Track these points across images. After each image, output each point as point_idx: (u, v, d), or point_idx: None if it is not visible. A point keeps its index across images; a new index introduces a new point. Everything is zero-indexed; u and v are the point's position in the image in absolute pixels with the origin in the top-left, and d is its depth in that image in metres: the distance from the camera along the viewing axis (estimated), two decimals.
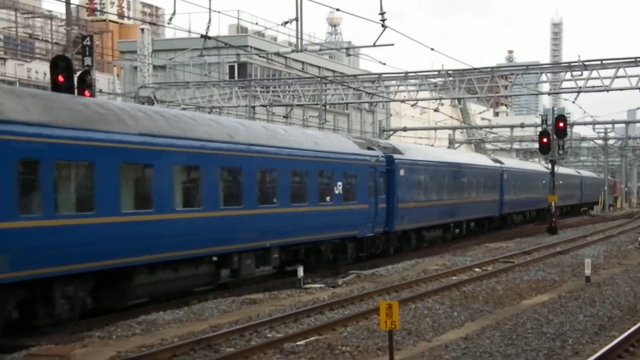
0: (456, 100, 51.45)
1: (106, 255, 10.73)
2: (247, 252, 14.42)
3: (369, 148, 19.89)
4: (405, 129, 54.56)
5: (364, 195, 18.60)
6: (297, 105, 34.76)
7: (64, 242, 9.96)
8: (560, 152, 32.77)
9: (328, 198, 16.84)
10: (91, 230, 10.43)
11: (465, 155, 32.80)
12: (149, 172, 11.72)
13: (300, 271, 16.25)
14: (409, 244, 23.24)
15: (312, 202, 16.24)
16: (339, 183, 17.19)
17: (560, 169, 48.85)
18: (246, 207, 14.09)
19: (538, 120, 45.96)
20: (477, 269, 19.10)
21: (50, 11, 41.30)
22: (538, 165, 47.42)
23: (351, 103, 38.52)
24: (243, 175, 13.97)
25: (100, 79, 40.55)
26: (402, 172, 21.54)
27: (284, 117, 36.89)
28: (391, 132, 57.04)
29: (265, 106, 34.29)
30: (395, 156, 21.69)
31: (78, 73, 17.05)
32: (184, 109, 35.66)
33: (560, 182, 46.64)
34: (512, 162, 38.17)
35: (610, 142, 61.26)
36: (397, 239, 22.31)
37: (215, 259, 13.64)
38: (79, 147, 10.25)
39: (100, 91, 32.13)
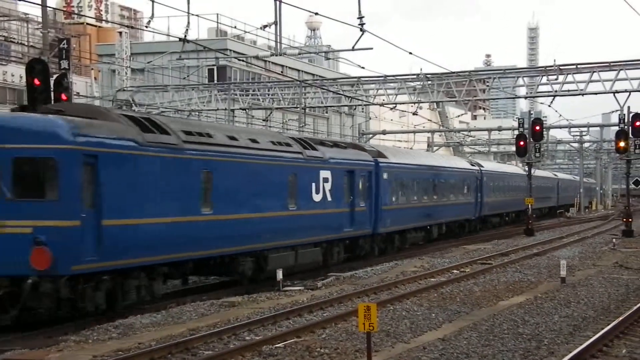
0: (435, 104, 51.75)
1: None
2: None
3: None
4: (384, 132, 54.77)
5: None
6: (277, 108, 34.80)
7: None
8: (537, 154, 33.15)
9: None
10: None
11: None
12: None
13: (279, 274, 16.23)
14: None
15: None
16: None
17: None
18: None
19: (515, 124, 46.45)
20: (455, 271, 19.23)
21: (26, 14, 40.84)
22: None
23: (331, 106, 38.59)
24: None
25: (78, 82, 40.14)
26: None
27: (264, 120, 36.85)
28: (370, 135, 57.31)
29: (245, 109, 34.25)
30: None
31: (55, 76, 16.84)
32: (162, 112, 35.52)
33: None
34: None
35: (586, 145, 61.99)
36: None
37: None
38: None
39: (78, 94, 31.79)
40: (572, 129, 52.84)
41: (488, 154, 60.86)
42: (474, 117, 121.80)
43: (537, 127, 32.08)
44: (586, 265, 20.52)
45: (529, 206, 32.88)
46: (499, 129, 52.24)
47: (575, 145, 62.24)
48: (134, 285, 11.89)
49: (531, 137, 32.43)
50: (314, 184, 17.52)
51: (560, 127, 50.40)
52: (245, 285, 15.30)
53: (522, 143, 32.26)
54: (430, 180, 26.67)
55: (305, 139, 18.45)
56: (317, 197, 17.72)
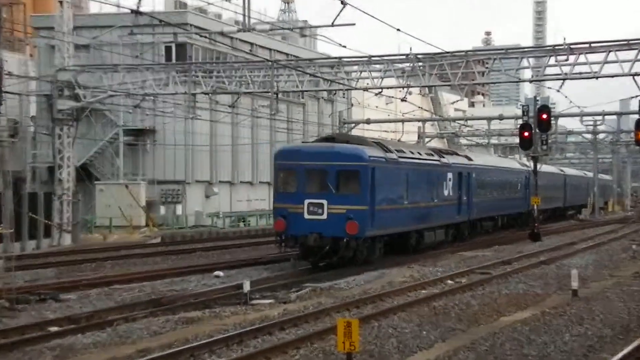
0: (426, 89, 52.04)
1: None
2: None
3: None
4: (368, 121, 54.95)
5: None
6: (245, 93, 34.52)
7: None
8: (544, 147, 33.41)
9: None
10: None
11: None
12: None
13: (247, 285, 16.13)
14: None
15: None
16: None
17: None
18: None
19: (519, 112, 46.66)
20: (449, 281, 19.35)
21: None
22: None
23: (307, 91, 38.49)
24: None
25: (10, 60, 39.48)
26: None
27: (230, 106, 36.62)
28: (353, 125, 57.37)
29: (208, 94, 33.93)
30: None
31: None
32: (111, 95, 35.10)
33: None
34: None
35: (600, 136, 62.19)
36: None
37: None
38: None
39: (10, 74, 31.22)
40: (585, 118, 53.10)
41: (487, 146, 61.24)
42: (472, 105, 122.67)
43: (544, 116, 32.33)
44: (602, 275, 20.76)
45: (535, 207, 33.08)
46: (500, 117, 52.33)
47: (589, 136, 62.73)
48: (394, 242, 24.89)
49: (537, 127, 32.66)
50: (444, 183, 28.88)
51: (570, 115, 50.58)
52: (409, 253, 25.67)
53: (526, 134, 32.46)
54: (499, 178, 37.13)
55: (434, 149, 31.51)
56: (445, 192, 28.89)
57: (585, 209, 57.61)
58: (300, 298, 16.64)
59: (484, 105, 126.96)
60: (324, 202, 21.68)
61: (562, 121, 64.23)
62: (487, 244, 30.69)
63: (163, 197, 44.77)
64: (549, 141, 34.88)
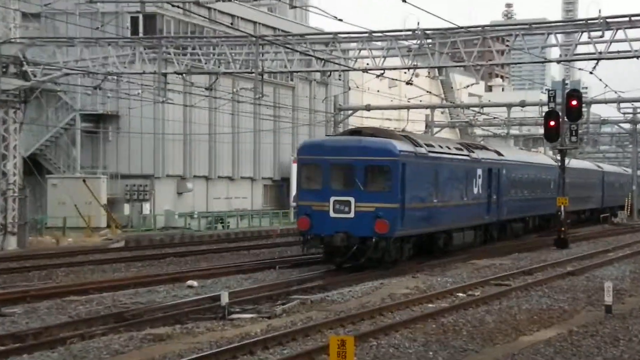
0: (436, 70, 51.76)
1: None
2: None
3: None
4: (368, 108, 55.12)
5: None
6: (225, 73, 34.49)
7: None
8: (573, 139, 33.47)
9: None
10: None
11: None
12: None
13: (225, 297, 16.14)
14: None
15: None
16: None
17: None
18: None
19: (544, 97, 46.83)
20: (460, 294, 19.39)
21: None
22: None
23: (297, 72, 38.50)
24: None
25: None
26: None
27: (207, 89, 36.61)
28: (350, 112, 57.47)
29: (181, 74, 33.81)
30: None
31: None
32: (66, 74, 34.94)
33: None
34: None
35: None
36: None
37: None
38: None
39: None
40: (623, 105, 53.31)
41: (507, 137, 61.39)
42: (489, 89, 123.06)
43: (574, 102, 32.36)
44: None
45: (562, 208, 33.18)
46: (522, 104, 52.58)
47: (627, 126, 62.83)
48: (422, 243, 26.74)
49: (566, 115, 32.75)
50: (474, 180, 30.41)
51: (606, 101, 50.83)
52: (437, 256, 27.34)
53: (552, 123, 32.54)
54: (530, 175, 38.49)
55: (463, 143, 32.72)
56: (475, 191, 30.48)
57: (622, 211, 57.69)
58: (287, 312, 16.67)
59: (503, 90, 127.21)
60: (351, 199, 23.47)
61: (595, 108, 64.12)
62: (504, 252, 30.84)
63: (127, 194, 44.73)
64: (580, 132, 34.89)
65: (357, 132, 25.71)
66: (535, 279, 22.50)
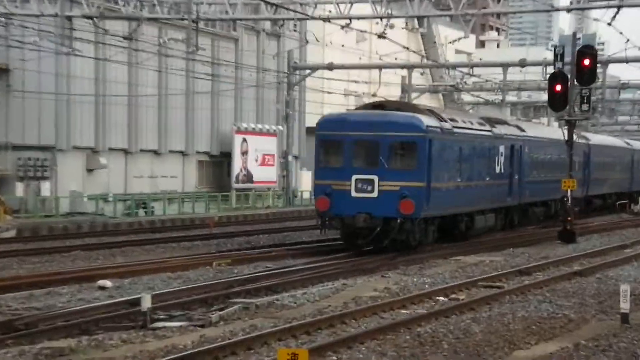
0: (415, 21, 51.95)
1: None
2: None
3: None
4: (330, 67, 55.12)
5: None
6: (149, 19, 34.07)
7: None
8: (584, 107, 33.51)
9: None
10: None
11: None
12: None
13: (147, 300, 15.98)
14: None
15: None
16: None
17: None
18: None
19: (549, 55, 46.94)
20: (441, 298, 19.51)
21: None
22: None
23: (242, 20, 38.21)
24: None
25: None
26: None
27: (125, 38, 36.16)
28: (308, 71, 57.35)
29: (92, 18, 33.34)
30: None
31: None
32: None
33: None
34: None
35: None
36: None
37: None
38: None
39: None
40: None
41: (502, 105, 61.79)
42: (481, 44, 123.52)
43: (587, 61, 32.56)
44: None
45: (568, 193, 33.40)
46: (522, 63, 52.87)
47: None
48: (444, 226, 30.34)
49: (576, 77, 32.82)
50: (496, 158, 33.80)
51: (626, 60, 50.88)
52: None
53: (559, 87, 32.68)
54: (553, 154, 41.17)
55: (484, 117, 36.11)
56: (497, 169, 33.90)
57: None
58: (225, 319, 16.61)
59: (498, 46, 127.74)
60: (375, 178, 26.99)
61: (613, 69, 64.81)
62: (495, 246, 31.15)
63: (21, 171, 44.05)
64: (593, 99, 35.03)
65: (379, 105, 29.08)
66: (534, 279, 22.70)
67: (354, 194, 26.93)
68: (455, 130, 29.89)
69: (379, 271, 23.75)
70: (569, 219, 33.52)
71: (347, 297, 19.28)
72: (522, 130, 37.90)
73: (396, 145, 27.24)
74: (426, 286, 21.12)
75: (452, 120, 30.25)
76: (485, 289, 20.97)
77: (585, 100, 33.40)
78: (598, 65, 37.09)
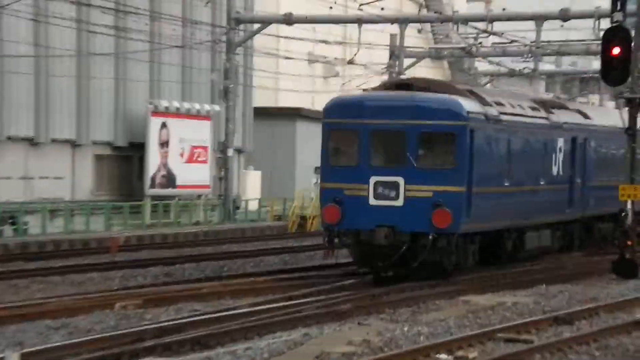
0: None
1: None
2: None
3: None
4: (288, 20, 54.85)
5: None
6: None
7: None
8: None
9: None
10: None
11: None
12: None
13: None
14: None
15: None
16: None
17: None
18: None
19: (604, 4, 46.96)
20: (443, 356, 19.60)
21: None
22: None
23: None
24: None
25: None
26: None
27: None
28: (256, 26, 57.19)
29: None
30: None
31: None
32: None
33: None
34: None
35: None
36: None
37: None
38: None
39: None
40: None
41: (534, 76, 61.91)
42: None
43: None
44: None
45: (628, 204, 33.41)
46: (564, 16, 52.90)
47: None
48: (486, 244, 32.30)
49: None
50: (554, 155, 35.64)
51: None
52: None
53: (617, 51, 32.52)
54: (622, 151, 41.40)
55: (537, 99, 38.06)
56: (554, 171, 35.70)
57: None
58: None
59: None
60: (400, 180, 28.52)
61: None
62: (520, 280, 31.31)
63: None
64: None
65: (405, 85, 30.70)
66: (577, 332, 22.70)
67: (372, 201, 28.58)
68: (503, 117, 31.60)
69: (356, 315, 23.73)
70: (629, 242, 33.67)
71: (310, 354, 19.18)
72: (587, 118, 39.16)
73: (428, 138, 28.91)
74: (421, 339, 21.04)
75: (498, 104, 31.86)
76: (506, 344, 20.99)
77: None
78: None
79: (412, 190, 28.33)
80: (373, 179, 28.47)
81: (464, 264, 30.09)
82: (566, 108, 39.28)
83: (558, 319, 23.99)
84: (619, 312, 25.91)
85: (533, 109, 35.03)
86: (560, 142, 36.01)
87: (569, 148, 36.81)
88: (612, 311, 25.84)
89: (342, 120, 29.51)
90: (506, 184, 31.81)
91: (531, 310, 25.73)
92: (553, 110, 36.43)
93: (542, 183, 34.79)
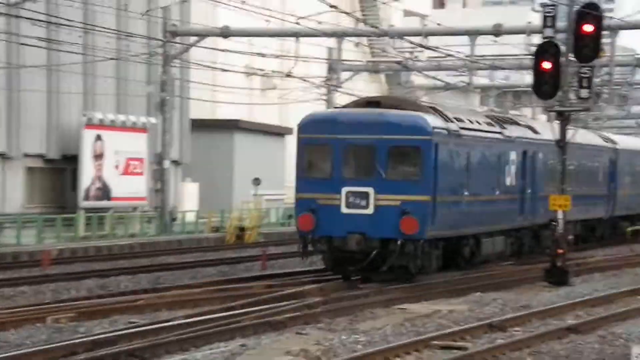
0: None
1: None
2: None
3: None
4: (225, 34, 54.75)
5: None
6: None
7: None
8: (584, 93, 33.69)
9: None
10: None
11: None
12: None
13: None
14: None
15: None
16: None
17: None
18: None
19: (535, 20, 47.38)
20: None
21: None
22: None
23: None
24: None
25: None
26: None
27: None
28: (193, 38, 56.96)
29: None
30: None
31: None
32: None
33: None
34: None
35: None
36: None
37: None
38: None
39: None
40: None
41: (468, 91, 62.17)
42: (440, 4, 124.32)
43: (589, 27, 32.97)
44: None
45: (559, 214, 33.81)
46: (497, 31, 53.25)
47: None
48: (446, 250, 35.17)
49: (573, 51, 33.24)
50: (506, 167, 38.58)
51: None
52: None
53: (548, 65, 33.05)
54: (574, 162, 44.87)
55: (491, 115, 42.43)
56: (507, 181, 38.70)
57: None
58: None
59: (464, 5, 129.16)
60: (370, 190, 31.43)
61: (626, 38, 65.49)
62: (455, 289, 31.72)
63: None
64: (597, 81, 35.27)
65: (374, 102, 33.85)
66: (510, 338, 22.84)
67: (344, 209, 31.45)
68: (463, 132, 34.46)
69: (294, 325, 23.84)
70: (560, 251, 33.87)
71: None
72: (536, 132, 42.14)
73: (396, 151, 31.87)
74: (359, 347, 21.13)
75: (458, 119, 34.75)
76: (442, 351, 21.07)
77: (584, 84, 33.57)
78: (605, 32, 37.55)
79: (381, 200, 31.17)
80: (345, 189, 31.32)
81: (429, 268, 32.50)
82: (517, 124, 42.14)
83: (492, 326, 24.36)
84: (550, 318, 26.39)
85: (488, 124, 37.91)
86: (513, 155, 38.98)
87: (520, 160, 39.69)
88: (544, 318, 26.35)
89: (316, 135, 32.36)
90: (466, 194, 34.57)
91: (466, 317, 26.09)
92: (506, 126, 39.34)
93: (497, 193, 37.60)
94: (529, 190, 40.20)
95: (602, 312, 27.55)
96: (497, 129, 38.42)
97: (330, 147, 31.95)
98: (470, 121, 36.16)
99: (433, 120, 32.55)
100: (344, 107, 36.52)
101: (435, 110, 34.15)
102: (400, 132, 31.78)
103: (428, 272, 32.70)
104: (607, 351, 21.52)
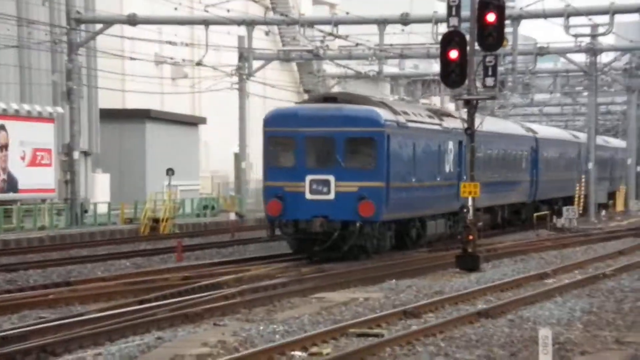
0: None
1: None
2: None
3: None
4: (133, 21, 54.13)
5: None
6: None
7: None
8: (489, 81, 34.00)
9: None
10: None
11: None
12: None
13: None
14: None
15: None
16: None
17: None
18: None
19: (441, 8, 47.62)
20: (298, 353, 19.73)
21: None
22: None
23: None
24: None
25: None
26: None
27: None
28: (99, 26, 56.42)
29: None
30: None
31: None
32: None
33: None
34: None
35: (606, 58, 65.41)
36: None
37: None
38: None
39: None
40: (574, 20, 54.67)
41: (378, 80, 62.23)
42: None
43: (492, 16, 33.36)
44: (600, 341, 21.34)
45: (469, 202, 34.21)
46: (404, 20, 53.40)
47: (581, 58, 64.84)
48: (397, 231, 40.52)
49: (477, 39, 33.59)
50: (445, 156, 42.57)
51: (545, 15, 52.23)
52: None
53: (454, 55, 33.33)
54: (501, 150, 51.53)
55: (430, 109, 47.04)
56: (446, 168, 42.73)
57: (570, 209, 59.34)
58: None
59: None
60: (331, 178, 35.40)
61: (527, 28, 66.11)
62: (371, 277, 31.89)
63: None
64: (500, 69, 35.59)
65: (331, 98, 38.07)
66: (424, 324, 23.07)
67: (308, 196, 35.36)
68: (410, 124, 38.61)
69: (211, 317, 23.78)
70: (471, 237, 34.23)
71: (163, 356, 19.06)
72: None
73: (353, 142, 35.82)
74: (277, 337, 21.17)
75: (404, 113, 38.80)
76: (358, 339, 21.18)
77: (490, 72, 33.92)
78: (507, 21, 37.94)
79: (341, 186, 35.12)
80: (308, 178, 35.21)
81: (383, 248, 36.97)
82: (453, 116, 46.17)
83: (407, 313, 24.63)
84: (462, 304, 26.84)
85: (429, 117, 42.23)
86: (450, 145, 42.97)
87: (457, 150, 43.48)
88: (457, 303, 26.80)
89: (280, 128, 36.21)
90: (413, 180, 38.59)
91: (382, 304, 26.43)
92: (444, 118, 43.64)
93: (438, 179, 41.79)
94: (465, 177, 41.68)
95: (511, 296, 28.03)
96: (437, 120, 42.58)
97: (294, 139, 35.78)
98: (414, 114, 40.01)
99: (385, 114, 36.41)
100: (303, 102, 41.48)
101: (385, 105, 38.18)
102: (356, 125, 35.61)
103: (383, 251, 36.89)
104: (516, 334, 21.76)
